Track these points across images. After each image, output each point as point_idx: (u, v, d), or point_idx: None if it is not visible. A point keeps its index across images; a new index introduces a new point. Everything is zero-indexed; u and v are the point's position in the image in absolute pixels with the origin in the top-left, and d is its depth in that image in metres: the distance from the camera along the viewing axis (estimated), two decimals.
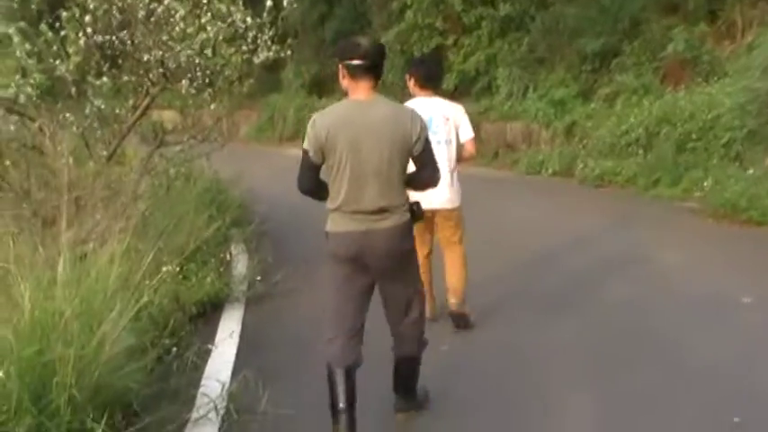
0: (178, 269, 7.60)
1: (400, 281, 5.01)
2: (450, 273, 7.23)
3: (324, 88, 26.40)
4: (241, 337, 7.10)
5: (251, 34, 8.45)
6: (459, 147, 7.09)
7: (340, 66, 4.80)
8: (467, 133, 7.10)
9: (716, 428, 5.22)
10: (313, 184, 4.93)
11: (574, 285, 8.64)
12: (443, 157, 6.64)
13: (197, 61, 8.30)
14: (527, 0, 20.55)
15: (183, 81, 8.15)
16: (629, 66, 17.68)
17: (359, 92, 4.75)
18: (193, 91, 8.31)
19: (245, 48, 8.51)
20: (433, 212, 6.77)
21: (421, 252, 6.42)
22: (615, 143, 15.97)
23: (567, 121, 18.08)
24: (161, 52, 7.96)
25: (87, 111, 8.43)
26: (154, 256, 7.47)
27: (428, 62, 7.82)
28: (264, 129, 27.88)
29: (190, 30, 8.07)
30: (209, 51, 8.32)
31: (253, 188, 13.56)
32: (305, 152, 4.77)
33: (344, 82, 4.82)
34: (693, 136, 14.32)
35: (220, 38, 8.40)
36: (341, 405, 4.86)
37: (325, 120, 4.71)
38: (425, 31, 21.71)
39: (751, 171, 12.14)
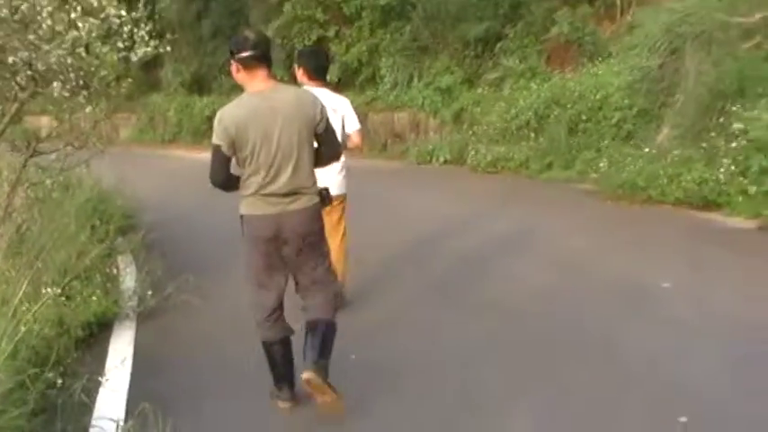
0: (60, 290, 6.90)
1: (314, 259, 5.15)
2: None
3: (204, 86, 25.56)
4: (134, 361, 6.41)
5: (126, 29, 7.71)
6: (345, 138, 7.02)
7: (233, 62, 4.89)
8: (353, 124, 7.14)
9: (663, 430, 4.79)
10: (226, 178, 5.03)
11: (478, 274, 8.22)
12: None
13: (69, 62, 7.54)
14: None
15: (55, 84, 7.34)
16: (513, 50, 17.42)
17: (257, 82, 4.85)
18: (67, 94, 7.52)
19: (120, 45, 7.76)
20: None
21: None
22: (505, 128, 15.66)
23: (454, 109, 17.70)
24: (27, 53, 7.17)
25: None
26: (32, 277, 6.80)
27: (317, 53, 7.72)
28: (145, 131, 26.84)
29: (59, 27, 7.30)
30: (81, 50, 7.57)
31: (137, 195, 12.79)
32: (216, 147, 4.87)
33: (239, 76, 4.91)
34: (583, 117, 14.10)
35: (93, 35, 7.65)
36: (283, 372, 5.30)
37: (232, 114, 4.82)
38: (306, 23, 21.04)
39: (647, 150, 11.87)
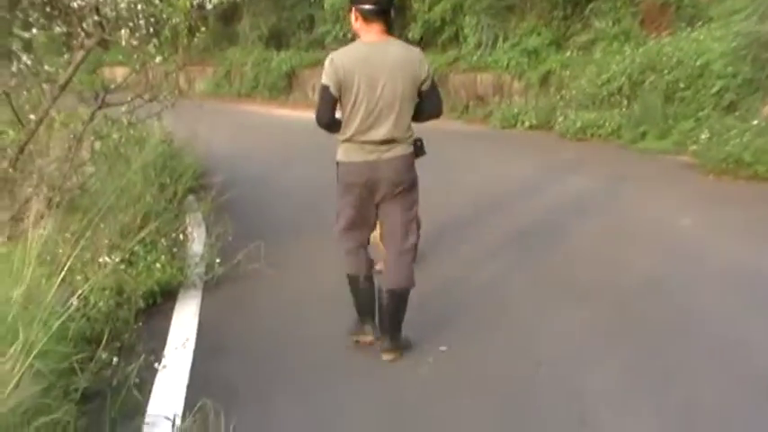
0: (120, 257, 6.30)
1: (401, 206, 5.27)
2: None
3: (282, 41, 24.91)
4: (197, 339, 5.79)
5: None
6: None
7: (353, 9, 5.00)
8: None
9: None
10: (332, 118, 5.13)
11: (580, 257, 7.44)
12: None
13: (139, 8, 6.88)
14: None
15: (123, 31, 6.70)
16: (605, 11, 16.42)
17: (371, 34, 4.99)
18: (135, 42, 6.86)
19: None
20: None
21: None
22: (596, 94, 14.68)
23: (541, 72, 16.74)
24: None
25: (14, 68, 7.03)
26: (91, 239, 6.20)
27: None
28: (222, 84, 26.31)
29: None
30: None
31: (211, 151, 12.18)
32: (324, 87, 5.00)
33: (356, 25, 5.04)
34: (681, 85, 13.04)
35: None
36: (366, 306, 5.53)
37: (342, 58, 4.96)
38: None
39: (755, 122, 10.87)
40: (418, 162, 5.32)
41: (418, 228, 5.72)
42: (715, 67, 12.62)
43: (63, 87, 7.07)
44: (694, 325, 5.75)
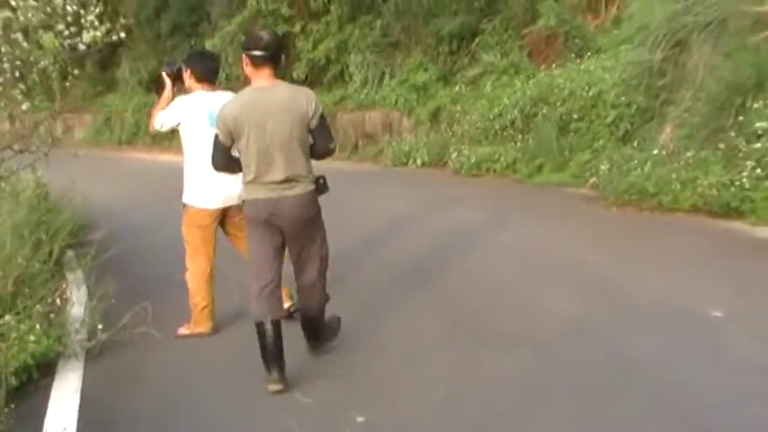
0: None
1: (305, 240, 5.50)
2: None
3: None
4: (80, 421, 5.05)
5: (70, 10, 6.33)
6: None
7: (244, 55, 5.27)
8: None
9: None
10: (226, 162, 5.47)
11: (493, 300, 6.94)
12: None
13: (2, 50, 6.17)
14: None
15: None
16: (491, 45, 16.23)
17: (261, 79, 5.27)
18: None
19: (64, 29, 6.36)
20: (224, 210, 6.54)
21: (207, 259, 6.56)
22: (489, 128, 14.39)
23: (430, 108, 16.45)
24: None
25: None
26: None
27: (204, 55, 7.31)
28: (102, 131, 25.43)
29: None
30: (18, 36, 6.19)
31: (92, 203, 11.33)
32: (216, 136, 5.35)
33: (248, 70, 5.30)
34: (575, 116, 12.79)
35: (32, 17, 6.28)
36: (272, 357, 5.36)
37: (232, 107, 5.28)
38: (270, 18, 19.68)
39: (655, 151, 10.60)
40: None
41: (327, 259, 5.72)
42: (608, 98, 12.44)
43: None
44: (629, 370, 5.27)
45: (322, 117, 5.38)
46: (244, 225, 6.15)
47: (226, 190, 6.27)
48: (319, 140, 5.40)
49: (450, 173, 14.32)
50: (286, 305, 6.12)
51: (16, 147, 7.23)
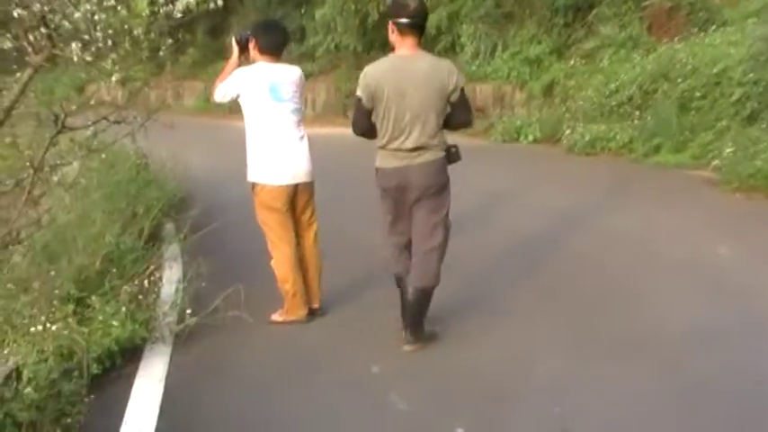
0: (73, 306, 5.27)
1: (429, 208, 5.43)
2: (310, 264, 6.37)
3: None
4: (161, 415, 4.72)
5: None
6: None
7: (390, 23, 5.27)
8: None
9: None
10: (366, 126, 5.46)
11: (616, 298, 6.39)
12: (296, 126, 6.19)
13: (96, 17, 5.83)
14: None
15: (73, 45, 5.62)
16: (609, 17, 15.48)
17: (405, 47, 5.24)
18: (89, 58, 5.78)
19: None
20: (295, 188, 6.14)
21: (288, 243, 6.20)
22: (604, 104, 13.72)
23: (544, 81, 15.80)
24: (40, 5, 5.44)
25: None
26: (40, 291, 5.17)
27: (271, 27, 6.60)
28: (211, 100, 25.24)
29: None
30: (111, 2, 5.85)
31: (195, 174, 11.10)
32: (358, 99, 5.36)
33: (392, 37, 5.29)
34: (697, 94, 12.08)
35: None
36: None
37: (374, 71, 5.29)
38: None
39: None
40: None
41: (447, 230, 5.62)
42: (733, 74, 11.68)
43: (8, 111, 6.01)
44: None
45: (462, 90, 5.32)
46: (312, 207, 6.32)
47: (294, 165, 6.06)
48: (458, 113, 5.39)
49: (562, 150, 13.69)
50: (313, 306, 6.28)
51: (111, 118, 6.84)
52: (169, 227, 8.86)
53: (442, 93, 5.20)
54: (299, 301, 6.21)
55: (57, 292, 5.48)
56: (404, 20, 5.18)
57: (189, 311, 5.84)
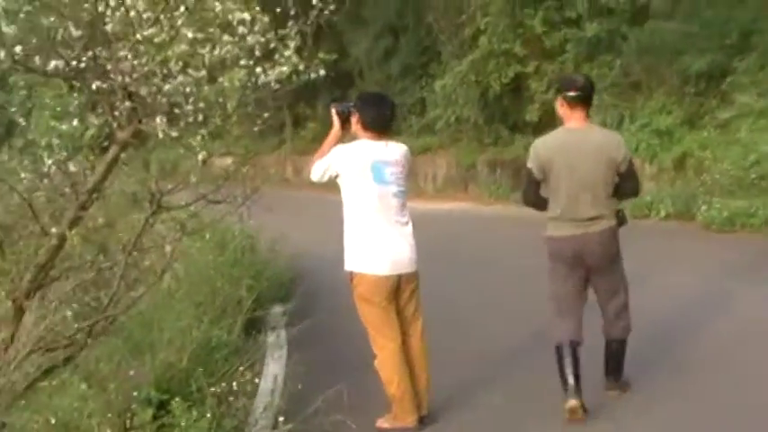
0: (153, 411, 4.65)
1: (609, 273, 5.64)
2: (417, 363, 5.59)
3: (393, 128, 23.11)
4: None
5: (261, 40, 5.38)
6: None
7: (559, 98, 5.58)
8: None
9: None
10: (536, 197, 5.69)
11: None
12: (400, 211, 5.55)
13: (187, 90, 5.28)
14: (617, 18, 17.22)
15: (158, 118, 5.05)
16: (746, 84, 14.36)
17: (574, 119, 5.51)
18: (175, 133, 5.21)
19: (251, 64, 5.40)
20: (398, 279, 5.47)
21: (392, 341, 5.47)
22: (743, 177, 12.57)
23: (675, 154, 14.71)
24: (122, 76, 4.91)
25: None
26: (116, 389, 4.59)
27: (380, 100, 6.02)
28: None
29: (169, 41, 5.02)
30: (202, 73, 5.29)
31: (305, 249, 10.51)
32: (529, 170, 5.64)
33: (562, 110, 5.58)
34: None
35: (225, 54, 5.38)
36: (570, 377, 5.43)
37: (546, 144, 5.59)
38: (502, 58, 18.54)
39: None
40: None
41: (626, 287, 5.78)
42: None
43: (92, 192, 5.50)
44: None
45: (630, 161, 5.56)
46: (417, 299, 5.68)
47: (397, 253, 5.45)
48: (626, 183, 5.59)
49: (698, 227, 12.59)
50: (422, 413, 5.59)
51: (211, 196, 6.30)
52: (276, 311, 8.27)
53: (612, 164, 5.42)
54: (408, 406, 5.46)
55: (135, 394, 4.88)
56: (573, 93, 5.47)
57: (281, 419, 5.14)
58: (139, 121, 5.24)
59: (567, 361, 5.46)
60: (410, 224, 5.60)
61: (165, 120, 5.03)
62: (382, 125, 5.71)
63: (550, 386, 5.55)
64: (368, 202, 5.39)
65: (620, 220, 5.60)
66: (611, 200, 5.51)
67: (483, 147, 19.50)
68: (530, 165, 5.57)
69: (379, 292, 5.39)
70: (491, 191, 18.07)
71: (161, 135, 5.06)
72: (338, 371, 5.97)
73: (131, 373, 4.98)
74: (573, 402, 5.33)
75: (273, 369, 6.48)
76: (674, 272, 9.49)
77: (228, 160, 7.07)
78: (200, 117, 5.31)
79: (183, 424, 4.78)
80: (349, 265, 5.48)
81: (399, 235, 5.46)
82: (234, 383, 5.33)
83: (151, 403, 4.90)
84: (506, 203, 15.84)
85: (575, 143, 5.42)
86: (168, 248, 6.22)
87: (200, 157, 5.24)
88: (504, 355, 6.99)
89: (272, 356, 6.81)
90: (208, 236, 8.38)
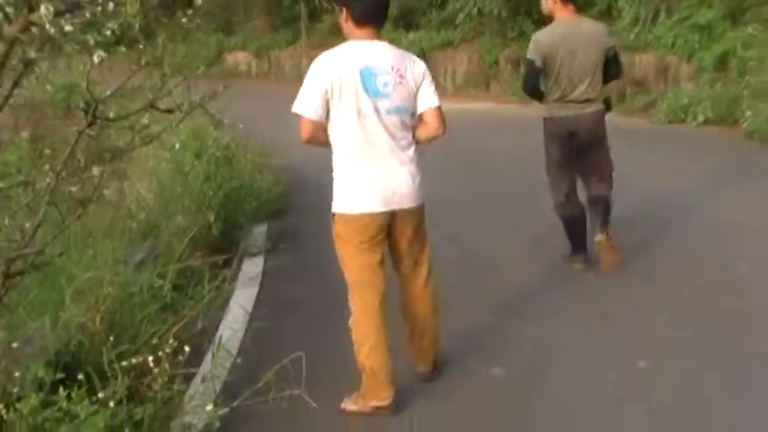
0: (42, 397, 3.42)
1: (596, 151, 6.11)
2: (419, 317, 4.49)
3: (412, 20, 21.80)
4: None
5: None
6: (415, 122, 4.33)
7: None
8: (428, 100, 4.28)
9: None
10: (536, 86, 6.07)
11: None
12: (399, 130, 4.17)
13: None
14: None
15: (43, 7, 3.64)
16: None
17: (567, 13, 5.93)
18: (69, 27, 3.79)
19: None
20: (392, 216, 4.20)
21: (373, 294, 4.19)
22: None
23: (716, 52, 13.17)
24: None
25: None
26: None
27: None
28: None
29: None
30: None
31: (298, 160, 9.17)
32: (531, 61, 6.00)
33: (555, 6, 5.95)
34: None
35: None
36: (579, 243, 6.29)
37: (545, 36, 5.98)
38: None
39: None
40: None
41: (612, 167, 6.19)
42: None
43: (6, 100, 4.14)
44: None
45: (615, 47, 6.13)
46: (421, 239, 4.42)
47: (389, 185, 4.13)
48: (612, 68, 6.10)
49: (740, 135, 11.12)
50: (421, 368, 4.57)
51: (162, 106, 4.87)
52: (259, 231, 7.00)
53: (603, 51, 5.96)
54: (384, 380, 4.16)
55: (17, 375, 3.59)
56: None
57: (209, 408, 3.84)
58: (30, 10, 3.81)
59: (577, 231, 6.25)
60: (413, 148, 4.27)
61: (51, 9, 3.60)
62: (375, 16, 4.24)
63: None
64: (356, 121, 4.03)
65: (607, 105, 6.13)
66: (601, 85, 6.00)
67: (506, 42, 18.06)
68: (530, 56, 6.00)
69: (364, 233, 4.11)
70: (514, 89, 16.58)
71: (49, 28, 3.66)
72: (313, 324, 4.68)
73: (14, 345, 3.66)
74: (580, 267, 6.27)
75: (234, 317, 5.19)
76: (720, 191, 8.10)
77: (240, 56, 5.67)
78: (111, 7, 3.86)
79: (81, 415, 3.51)
80: (336, 206, 4.12)
81: (398, 162, 4.15)
82: (163, 349, 3.94)
83: (42, 386, 3.61)
84: (531, 104, 14.48)
85: (573, 33, 5.88)
86: (96, 171, 4.82)
87: (95, 58, 3.81)
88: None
89: (237, 301, 5.52)
90: (178, 145, 7.06)
